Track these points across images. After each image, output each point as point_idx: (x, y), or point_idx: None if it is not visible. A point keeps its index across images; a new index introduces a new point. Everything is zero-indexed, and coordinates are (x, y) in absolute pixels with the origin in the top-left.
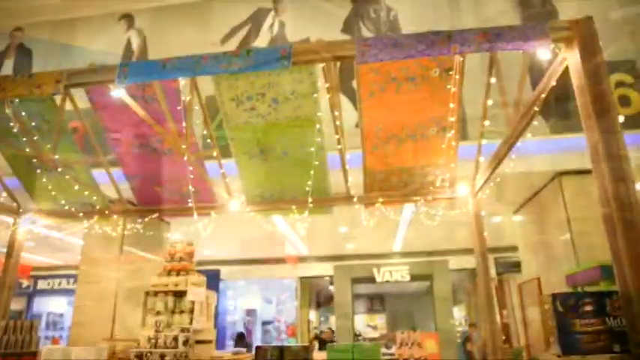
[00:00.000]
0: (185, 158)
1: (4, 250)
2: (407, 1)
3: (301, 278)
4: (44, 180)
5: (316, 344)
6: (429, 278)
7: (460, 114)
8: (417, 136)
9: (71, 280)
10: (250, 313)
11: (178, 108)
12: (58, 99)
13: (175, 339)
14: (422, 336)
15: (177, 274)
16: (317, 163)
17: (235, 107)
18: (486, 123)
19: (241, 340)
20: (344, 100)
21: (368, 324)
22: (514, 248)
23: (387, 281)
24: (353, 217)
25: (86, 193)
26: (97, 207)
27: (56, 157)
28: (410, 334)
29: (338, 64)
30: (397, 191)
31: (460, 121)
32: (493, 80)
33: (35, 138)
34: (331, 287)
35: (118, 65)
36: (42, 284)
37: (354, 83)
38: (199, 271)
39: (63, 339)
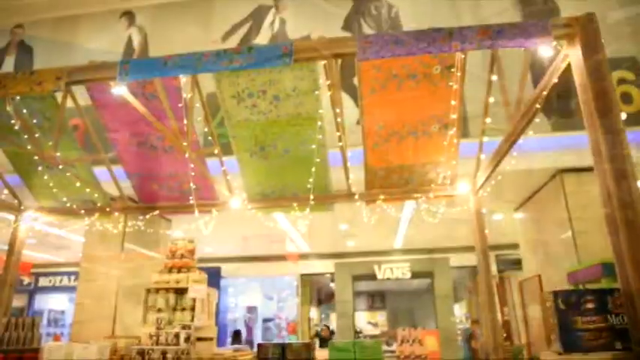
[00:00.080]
0: (186, 155)
1: (6, 247)
2: None
3: (302, 275)
4: (45, 177)
5: (317, 342)
6: (429, 275)
7: (461, 111)
8: (419, 133)
9: (72, 278)
10: (251, 310)
11: (179, 105)
12: (59, 96)
13: (177, 336)
14: (423, 333)
15: (179, 272)
16: (318, 160)
17: (236, 104)
18: (488, 120)
19: (237, 337)
20: (345, 97)
21: (369, 321)
22: (515, 246)
23: (388, 278)
24: (354, 214)
25: (87, 190)
26: (98, 204)
27: (57, 154)
28: (411, 331)
29: (339, 61)
30: (398, 188)
31: (461, 118)
32: (494, 77)
33: (36, 135)
34: (332, 284)
35: (119, 62)
36: (43, 281)
37: (355, 80)
38: (200, 269)
39: (64, 336)
